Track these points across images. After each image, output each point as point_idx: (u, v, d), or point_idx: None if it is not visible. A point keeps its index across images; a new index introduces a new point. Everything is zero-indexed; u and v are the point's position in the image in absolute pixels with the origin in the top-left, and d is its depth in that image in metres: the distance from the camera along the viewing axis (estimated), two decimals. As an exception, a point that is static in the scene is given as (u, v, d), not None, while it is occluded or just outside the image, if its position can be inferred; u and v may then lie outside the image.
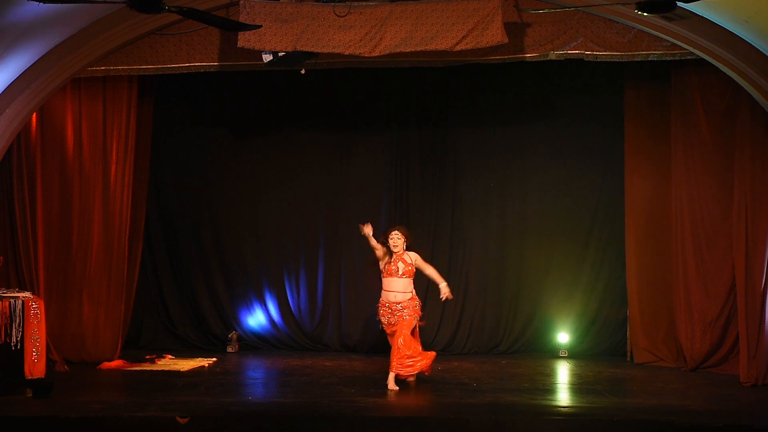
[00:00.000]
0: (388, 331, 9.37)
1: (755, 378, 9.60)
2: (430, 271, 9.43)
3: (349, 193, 12.03)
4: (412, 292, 9.34)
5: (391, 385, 9.10)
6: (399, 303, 9.23)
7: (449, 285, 11.64)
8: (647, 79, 10.83)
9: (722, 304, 10.27)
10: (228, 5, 9.47)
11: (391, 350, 9.20)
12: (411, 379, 9.36)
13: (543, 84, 11.53)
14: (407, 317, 9.18)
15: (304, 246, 12.08)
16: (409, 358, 9.11)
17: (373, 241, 9.37)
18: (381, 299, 9.39)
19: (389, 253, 9.31)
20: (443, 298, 9.40)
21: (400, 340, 9.06)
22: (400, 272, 9.23)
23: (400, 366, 9.08)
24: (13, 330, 8.76)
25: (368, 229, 9.33)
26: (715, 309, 10.31)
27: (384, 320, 9.34)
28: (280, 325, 12.07)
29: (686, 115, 10.49)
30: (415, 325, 9.35)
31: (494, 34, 8.97)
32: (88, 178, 10.83)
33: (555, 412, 8.56)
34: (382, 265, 9.38)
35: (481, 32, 8.99)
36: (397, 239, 9.29)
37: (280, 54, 9.37)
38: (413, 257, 9.35)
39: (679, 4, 7.23)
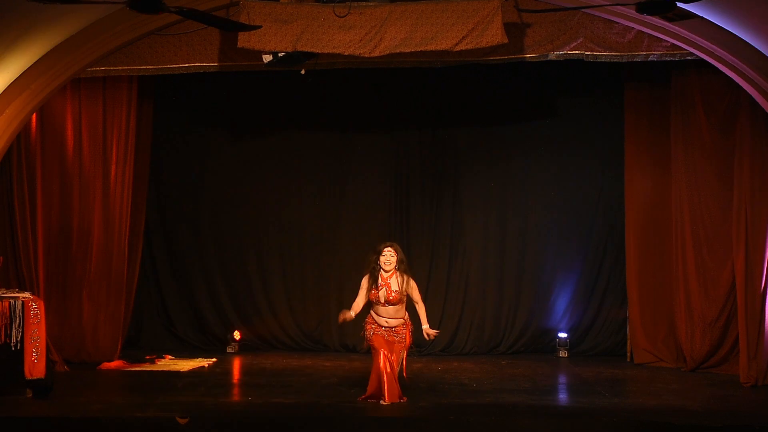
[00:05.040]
0: (377, 347, 8.50)
1: (755, 378, 9.60)
2: (420, 307, 8.66)
3: (349, 192, 12.04)
4: (404, 317, 8.61)
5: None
6: (392, 328, 8.53)
7: (449, 287, 11.86)
8: (647, 80, 10.83)
9: (722, 304, 10.28)
10: (228, 5, 9.47)
11: (388, 375, 8.40)
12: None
13: (543, 84, 11.53)
14: (399, 342, 8.52)
15: (304, 245, 12.08)
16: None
17: (355, 311, 8.60)
18: (371, 318, 8.63)
19: (373, 277, 8.56)
20: (427, 337, 8.69)
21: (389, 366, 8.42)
22: (383, 300, 8.50)
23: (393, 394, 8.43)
24: (13, 330, 8.76)
25: (346, 316, 8.59)
26: (715, 309, 10.31)
27: (375, 332, 8.55)
28: (280, 325, 12.06)
29: (686, 116, 10.49)
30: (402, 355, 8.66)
31: (494, 35, 8.97)
32: (88, 178, 10.84)
33: (555, 412, 8.57)
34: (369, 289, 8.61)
35: (481, 32, 8.99)
36: (390, 256, 8.55)
37: (280, 54, 9.37)
38: (404, 283, 8.56)
39: (679, 4, 7.22)
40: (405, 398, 8.51)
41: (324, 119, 12.00)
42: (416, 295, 8.65)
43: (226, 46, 9.73)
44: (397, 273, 8.60)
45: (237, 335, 11.85)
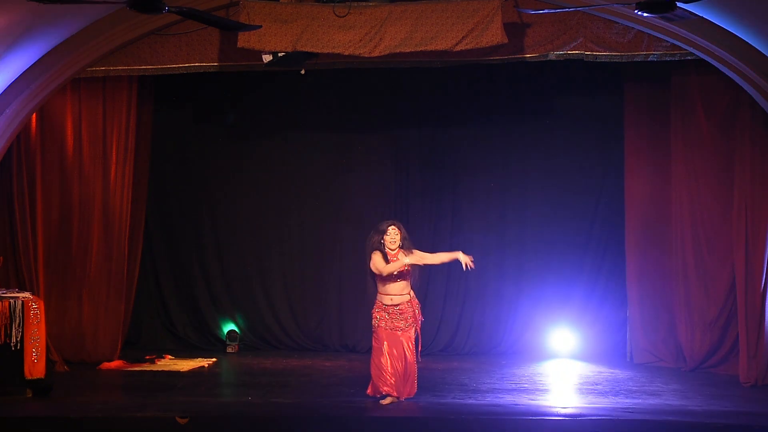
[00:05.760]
0: (378, 335, 8.50)
1: (755, 378, 9.61)
2: (436, 258, 8.68)
3: (348, 192, 12.04)
4: (410, 294, 8.59)
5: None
6: (397, 306, 8.48)
7: (449, 287, 11.84)
8: (647, 80, 10.83)
9: (722, 304, 10.28)
10: (228, 5, 9.48)
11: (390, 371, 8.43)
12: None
13: (543, 84, 11.52)
14: (407, 327, 8.51)
15: (304, 245, 12.08)
16: (391, 375, 8.45)
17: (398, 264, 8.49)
18: (379, 304, 8.57)
19: (383, 255, 8.51)
20: (466, 268, 8.57)
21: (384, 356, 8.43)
22: (395, 273, 8.46)
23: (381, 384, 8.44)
24: (13, 330, 8.77)
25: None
26: (714, 309, 10.31)
27: (380, 323, 8.51)
28: (280, 326, 12.07)
29: (686, 116, 10.49)
30: (416, 335, 8.62)
31: (494, 35, 8.97)
32: (88, 178, 10.84)
33: (555, 412, 8.56)
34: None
35: (481, 32, 9.00)
36: (394, 235, 8.50)
37: (280, 54, 9.38)
38: (407, 252, 8.53)
39: (679, 4, 7.22)
40: (401, 398, 8.51)
41: (323, 119, 12.00)
42: (422, 256, 8.57)
43: (226, 46, 9.73)
44: (402, 250, 8.56)
45: (237, 335, 11.85)
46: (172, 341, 12.03)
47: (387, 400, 8.43)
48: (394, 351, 8.48)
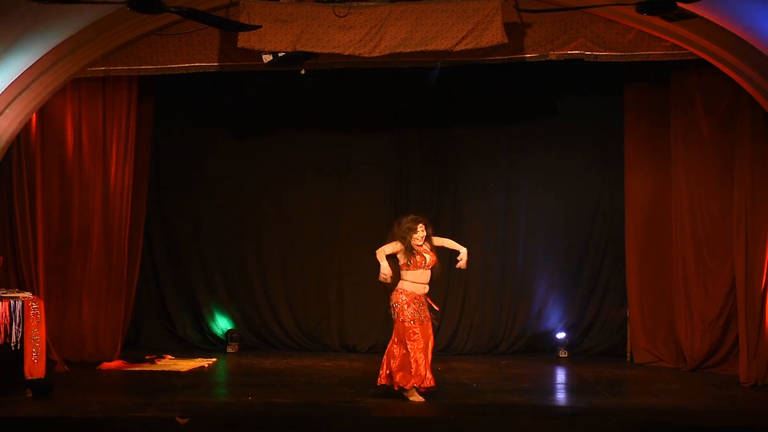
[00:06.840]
0: (412, 328, 8.46)
1: (755, 378, 9.60)
2: (447, 243, 8.87)
3: (349, 192, 12.04)
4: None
5: (416, 396, 8.55)
6: (426, 295, 8.59)
7: (449, 287, 11.85)
8: (647, 80, 10.83)
9: (722, 304, 10.27)
10: (228, 5, 9.47)
11: (412, 356, 8.44)
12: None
13: (543, 84, 11.52)
14: (431, 317, 8.65)
15: (304, 245, 12.08)
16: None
17: (386, 264, 8.55)
18: (406, 292, 8.52)
19: (409, 248, 8.54)
20: (459, 266, 8.78)
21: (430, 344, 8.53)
22: (427, 262, 8.55)
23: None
24: (13, 330, 8.77)
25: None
26: (714, 309, 10.31)
27: (408, 315, 8.47)
28: (280, 325, 12.06)
29: (686, 116, 10.49)
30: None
31: (494, 34, 8.97)
32: (88, 178, 10.84)
33: (555, 412, 8.57)
34: (403, 257, 8.55)
35: (481, 32, 8.99)
36: (421, 232, 8.59)
37: (280, 54, 9.38)
38: (433, 247, 8.70)
39: (679, 4, 7.23)
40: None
41: (324, 119, 11.99)
42: (440, 240, 8.81)
43: (226, 46, 9.73)
44: (426, 243, 8.70)
45: (237, 335, 11.86)
46: (172, 341, 12.02)
47: (419, 398, 8.46)
48: (429, 343, 8.54)
